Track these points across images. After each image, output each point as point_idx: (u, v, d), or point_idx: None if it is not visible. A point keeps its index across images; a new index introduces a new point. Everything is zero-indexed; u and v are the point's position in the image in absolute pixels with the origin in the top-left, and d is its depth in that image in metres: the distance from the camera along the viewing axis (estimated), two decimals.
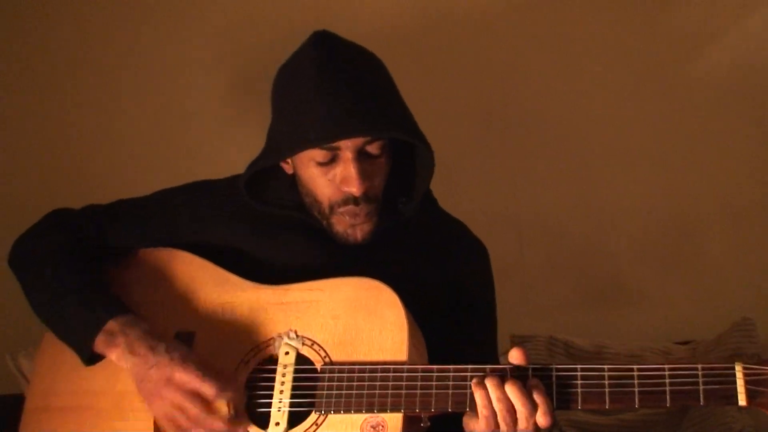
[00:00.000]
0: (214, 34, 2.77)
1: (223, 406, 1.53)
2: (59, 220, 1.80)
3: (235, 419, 1.54)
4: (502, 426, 1.42)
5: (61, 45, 2.73)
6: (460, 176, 2.86)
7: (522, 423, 1.42)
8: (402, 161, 1.74)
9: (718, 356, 2.54)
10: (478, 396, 1.43)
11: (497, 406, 1.42)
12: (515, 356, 1.46)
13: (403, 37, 2.77)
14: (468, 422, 1.50)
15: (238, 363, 1.60)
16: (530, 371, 1.45)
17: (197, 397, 1.52)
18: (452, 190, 2.76)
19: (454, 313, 1.75)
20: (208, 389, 1.51)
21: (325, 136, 1.56)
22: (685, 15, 2.85)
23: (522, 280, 2.89)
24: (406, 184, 1.75)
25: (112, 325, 1.59)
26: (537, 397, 1.42)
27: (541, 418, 1.42)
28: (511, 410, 1.42)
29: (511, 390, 1.41)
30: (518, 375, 1.45)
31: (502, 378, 1.43)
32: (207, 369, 1.53)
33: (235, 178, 1.79)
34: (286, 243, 1.72)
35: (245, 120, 2.66)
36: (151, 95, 2.76)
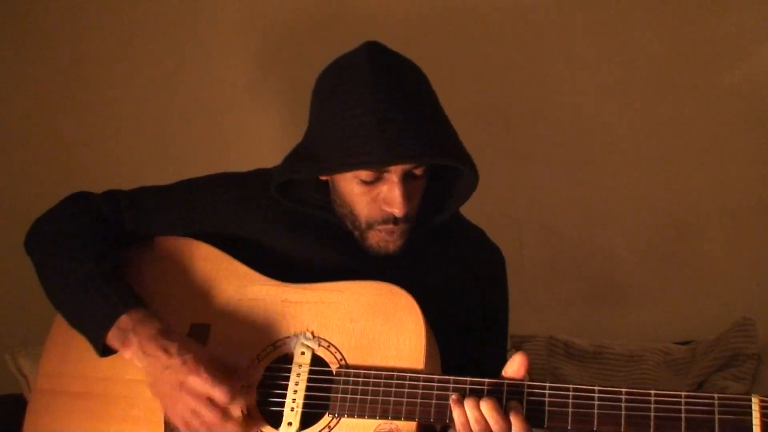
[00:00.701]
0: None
1: (236, 410, 1.52)
2: (79, 204, 1.78)
3: (248, 420, 1.54)
4: None
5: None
6: None
7: None
8: (435, 173, 1.73)
9: (718, 356, 2.55)
10: (456, 414, 1.43)
11: (474, 427, 1.42)
12: (519, 363, 1.46)
13: (404, 35, 2.76)
14: None
15: (253, 360, 1.60)
16: (547, 389, 1.45)
17: (211, 401, 1.51)
18: None
19: (469, 319, 1.75)
20: (220, 395, 1.50)
21: (378, 160, 1.54)
22: (685, 17, 2.86)
23: (522, 280, 2.88)
24: (435, 195, 1.74)
25: (124, 320, 1.57)
26: (514, 419, 1.41)
27: None
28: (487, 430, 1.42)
29: (487, 410, 1.41)
30: (533, 392, 1.45)
31: (478, 396, 1.43)
32: (219, 371, 1.52)
33: (259, 172, 1.78)
34: (309, 242, 1.72)
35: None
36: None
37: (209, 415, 1.50)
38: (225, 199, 1.78)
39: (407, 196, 1.60)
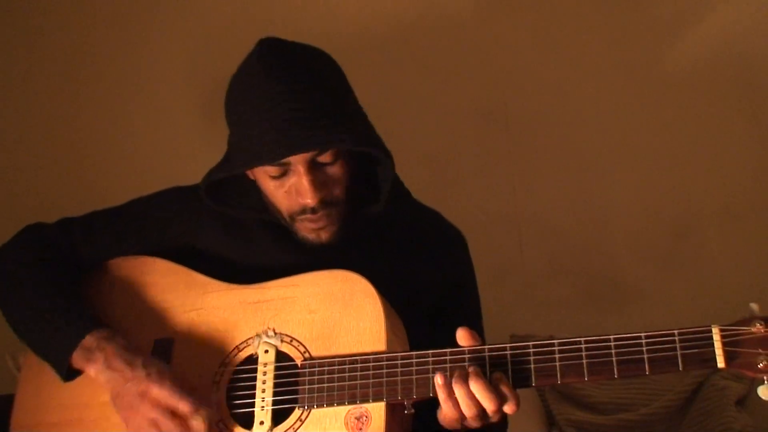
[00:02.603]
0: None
1: (198, 424, 1.52)
2: (34, 236, 1.80)
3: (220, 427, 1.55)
4: (471, 422, 1.44)
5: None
6: (460, 176, 2.86)
7: (492, 417, 1.44)
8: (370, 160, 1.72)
9: None
10: (445, 397, 1.43)
11: (466, 411, 1.42)
12: (463, 336, 1.47)
13: (403, 37, 2.78)
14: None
15: (219, 366, 1.60)
16: (508, 350, 1.45)
17: (172, 413, 1.51)
18: (452, 190, 2.76)
19: (437, 301, 1.74)
20: (183, 406, 1.51)
21: (271, 155, 1.56)
22: (687, 15, 2.85)
23: (522, 280, 2.88)
24: (373, 184, 1.73)
25: (89, 340, 1.58)
26: (505, 390, 1.42)
27: (508, 409, 1.42)
28: (480, 408, 1.42)
29: (478, 390, 1.41)
30: (495, 356, 1.45)
31: (465, 376, 1.42)
32: (183, 386, 1.53)
33: None
34: (259, 244, 1.72)
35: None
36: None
37: (169, 425, 1.51)
38: (176, 213, 1.79)
39: (317, 184, 1.60)
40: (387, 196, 1.70)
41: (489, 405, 1.41)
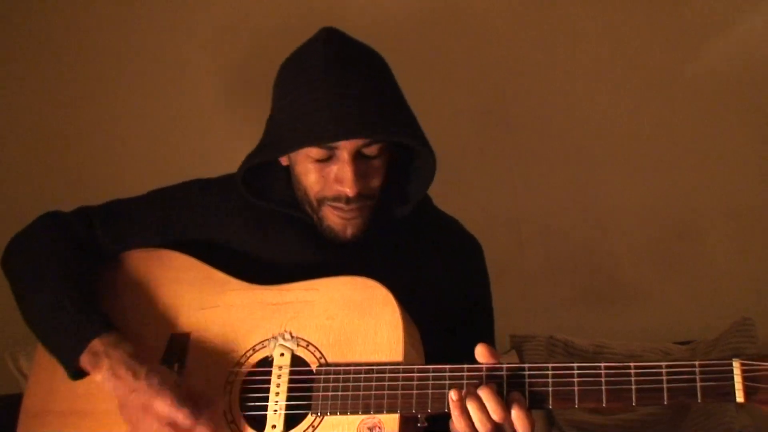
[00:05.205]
0: (211, 32, 2.77)
1: None
2: (52, 224, 1.78)
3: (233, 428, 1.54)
4: None
5: (58, 44, 2.73)
6: (460, 176, 2.85)
7: None
8: (400, 162, 1.73)
9: (717, 356, 2.54)
10: (456, 416, 1.42)
11: (480, 428, 1.41)
12: (482, 354, 1.45)
13: (403, 36, 2.77)
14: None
15: (233, 365, 1.59)
16: (526, 370, 1.44)
17: (174, 425, 1.50)
18: (452, 190, 2.75)
19: (452, 311, 1.74)
20: (183, 420, 1.49)
21: (324, 136, 1.55)
22: (686, 14, 2.86)
23: (522, 280, 2.89)
24: (402, 186, 1.74)
25: (96, 344, 1.56)
26: (520, 411, 1.40)
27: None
28: (494, 427, 1.41)
29: (493, 409, 1.40)
30: (512, 375, 1.45)
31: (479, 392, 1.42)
32: (184, 396, 1.51)
33: (230, 177, 1.77)
34: (282, 242, 1.72)
35: (242, 118, 2.67)
36: (149, 94, 2.77)
37: None
38: (198, 206, 1.78)
39: (359, 174, 1.60)
40: (418, 198, 1.71)
41: (505, 425, 1.40)
